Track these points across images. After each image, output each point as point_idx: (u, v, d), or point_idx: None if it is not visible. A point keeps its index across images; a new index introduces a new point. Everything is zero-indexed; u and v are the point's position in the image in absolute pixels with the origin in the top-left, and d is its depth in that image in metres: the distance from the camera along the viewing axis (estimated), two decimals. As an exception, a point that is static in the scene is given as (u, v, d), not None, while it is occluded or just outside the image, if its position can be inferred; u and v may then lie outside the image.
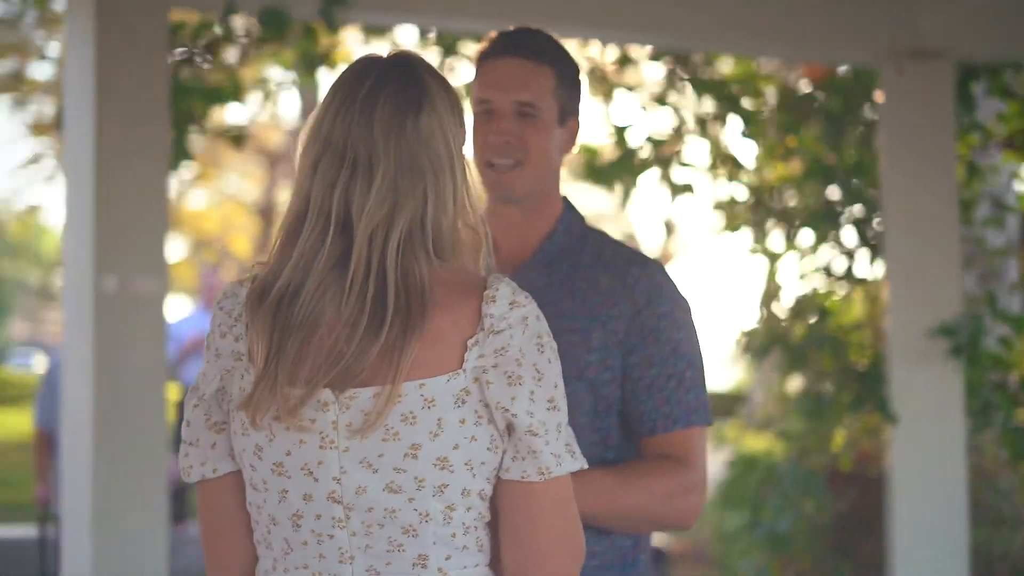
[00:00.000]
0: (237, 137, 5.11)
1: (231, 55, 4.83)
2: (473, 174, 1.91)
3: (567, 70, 2.46)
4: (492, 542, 1.85)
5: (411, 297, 1.75)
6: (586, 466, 1.83)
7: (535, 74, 2.41)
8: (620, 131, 5.69)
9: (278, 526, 1.83)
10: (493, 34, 2.50)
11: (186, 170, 22.78)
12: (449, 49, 5.09)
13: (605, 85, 5.69)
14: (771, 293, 5.97)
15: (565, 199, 2.53)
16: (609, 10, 4.96)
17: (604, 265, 2.43)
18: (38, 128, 14.47)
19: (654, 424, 2.38)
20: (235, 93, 4.91)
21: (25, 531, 8.38)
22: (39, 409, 6.63)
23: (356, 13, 4.50)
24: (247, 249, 20.94)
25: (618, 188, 5.72)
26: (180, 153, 4.88)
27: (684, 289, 2.48)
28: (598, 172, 5.61)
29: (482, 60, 2.45)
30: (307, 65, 4.81)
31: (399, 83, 1.84)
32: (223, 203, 23.93)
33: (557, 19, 4.93)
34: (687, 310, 2.44)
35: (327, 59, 4.80)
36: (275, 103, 18.14)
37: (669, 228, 14.46)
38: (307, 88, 5.03)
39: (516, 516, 1.80)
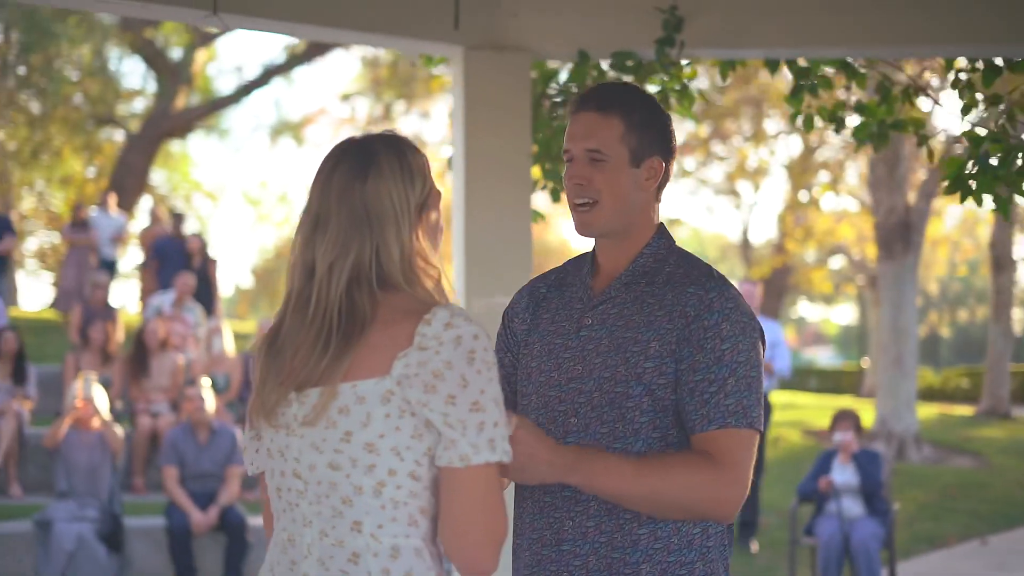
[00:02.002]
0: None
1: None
2: (431, 223, 2.39)
3: (639, 116, 2.80)
4: (432, 521, 2.30)
5: (354, 321, 2.28)
6: (507, 460, 2.23)
7: (601, 125, 2.77)
8: (995, 142, 5.63)
9: (272, 498, 2.40)
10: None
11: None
12: (801, 75, 5.27)
13: (970, 96, 5.67)
14: None
15: (660, 226, 2.86)
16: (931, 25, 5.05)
17: (672, 285, 2.76)
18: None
19: (693, 424, 2.68)
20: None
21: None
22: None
23: (692, 50, 4.86)
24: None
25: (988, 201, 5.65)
26: (557, 185, 5.40)
27: (743, 308, 2.71)
28: (961, 186, 5.58)
29: (569, 115, 2.85)
30: (665, 99, 5.17)
31: (354, 158, 2.36)
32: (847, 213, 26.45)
33: (908, 40, 5.08)
34: (740, 324, 2.71)
35: (685, 92, 5.14)
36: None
37: None
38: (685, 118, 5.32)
39: (445, 497, 2.26)
